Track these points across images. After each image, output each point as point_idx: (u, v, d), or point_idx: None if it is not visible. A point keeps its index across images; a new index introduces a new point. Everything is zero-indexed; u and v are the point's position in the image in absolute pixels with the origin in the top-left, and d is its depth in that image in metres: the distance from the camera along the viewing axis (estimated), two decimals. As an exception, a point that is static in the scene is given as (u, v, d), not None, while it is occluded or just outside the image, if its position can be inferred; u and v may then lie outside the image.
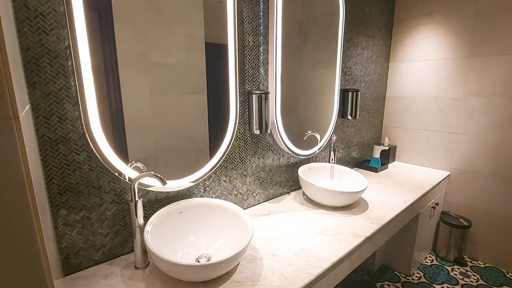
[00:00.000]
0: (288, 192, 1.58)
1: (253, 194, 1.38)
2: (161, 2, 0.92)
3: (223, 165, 1.22)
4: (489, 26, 1.79)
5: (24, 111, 0.51)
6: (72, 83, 0.79)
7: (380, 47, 2.14)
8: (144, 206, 0.99)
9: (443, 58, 2.01)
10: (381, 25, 2.09)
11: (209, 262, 0.75)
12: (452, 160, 2.06)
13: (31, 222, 0.39)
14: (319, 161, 1.76)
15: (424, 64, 2.11)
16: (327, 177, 1.62)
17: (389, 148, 2.15)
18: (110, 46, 0.83)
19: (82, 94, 0.78)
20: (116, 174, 0.88)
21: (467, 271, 1.93)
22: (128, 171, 0.90)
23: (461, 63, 1.93)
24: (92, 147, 0.82)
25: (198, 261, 0.90)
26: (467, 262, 2.03)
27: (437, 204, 1.94)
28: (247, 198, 1.36)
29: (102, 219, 0.90)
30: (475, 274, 1.90)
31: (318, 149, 1.65)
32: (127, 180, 0.91)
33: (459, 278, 1.86)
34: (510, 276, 1.87)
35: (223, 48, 1.10)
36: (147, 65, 0.92)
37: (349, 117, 1.81)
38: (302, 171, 1.49)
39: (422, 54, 2.11)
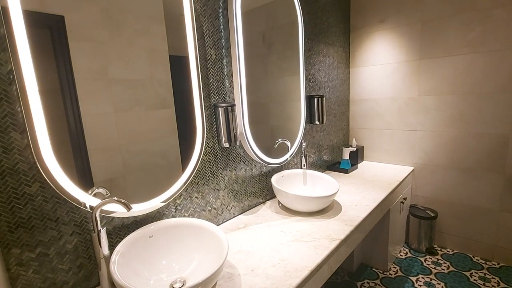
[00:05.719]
0: (264, 202, 1.57)
1: (228, 207, 1.36)
2: (120, 17, 0.89)
3: (194, 181, 1.19)
4: (434, 30, 1.95)
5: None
6: (18, 109, 0.73)
7: (340, 53, 2.24)
8: (109, 234, 0.93)
9: (397, 61, 2.15)
10: (339, 33, 2.20)
11: None
12: (414, 155, 2.19)
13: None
14: (291, 168, 1.78)
15: (381, 68, 2.24)
16: (300, 183, 1.64)
17: (357, 149, 2.23)
18: (66, 64, 0.79)
19: (30, 120, 0.72)
20: (74, 203, 0.82)
21: (438, 259, 2.04)
22: (88, 199, 0.83)
23: (413, 66, 2.08)
24: (45, 177, 0.76)
25: (173, 287, 0.85)
26: (438, 251, 2.14)
27: (405, 199, 2.04)
28: (222, 213, 1.33)
29: (62, 254, 0.83)
30: (445, 261, 2.01)
31: (290, 156, 1.67)
32: (88, 209, 0.84)
33: (432, 268, 1.95)
34: (477, 259, 2.01)
35: (187, 61, 1.09)
36: (108, 82, 0.88)
37: (317, 122, 1.86)
38: (275, 179, 1.50)
39: (378, 58, 2.24)
